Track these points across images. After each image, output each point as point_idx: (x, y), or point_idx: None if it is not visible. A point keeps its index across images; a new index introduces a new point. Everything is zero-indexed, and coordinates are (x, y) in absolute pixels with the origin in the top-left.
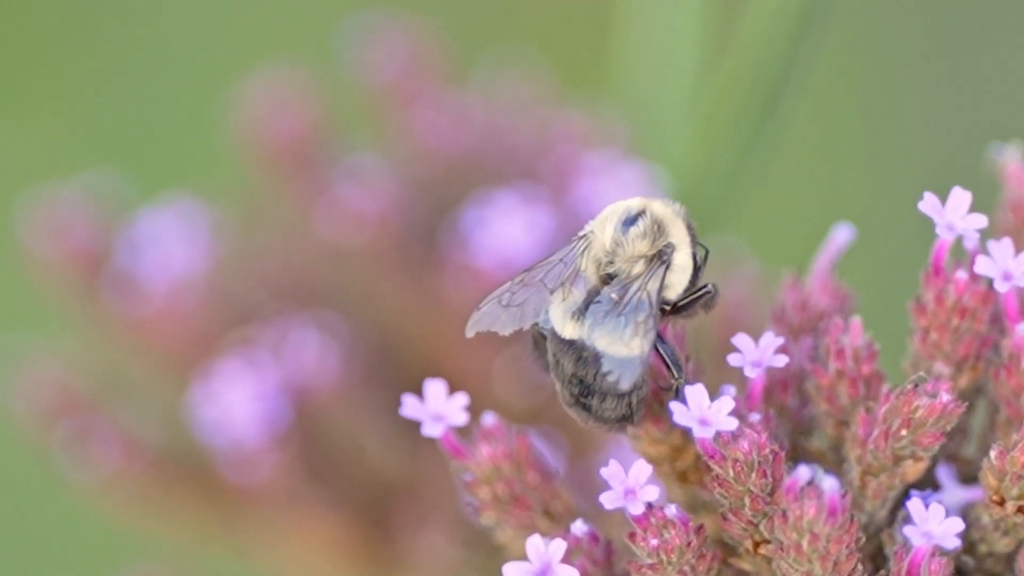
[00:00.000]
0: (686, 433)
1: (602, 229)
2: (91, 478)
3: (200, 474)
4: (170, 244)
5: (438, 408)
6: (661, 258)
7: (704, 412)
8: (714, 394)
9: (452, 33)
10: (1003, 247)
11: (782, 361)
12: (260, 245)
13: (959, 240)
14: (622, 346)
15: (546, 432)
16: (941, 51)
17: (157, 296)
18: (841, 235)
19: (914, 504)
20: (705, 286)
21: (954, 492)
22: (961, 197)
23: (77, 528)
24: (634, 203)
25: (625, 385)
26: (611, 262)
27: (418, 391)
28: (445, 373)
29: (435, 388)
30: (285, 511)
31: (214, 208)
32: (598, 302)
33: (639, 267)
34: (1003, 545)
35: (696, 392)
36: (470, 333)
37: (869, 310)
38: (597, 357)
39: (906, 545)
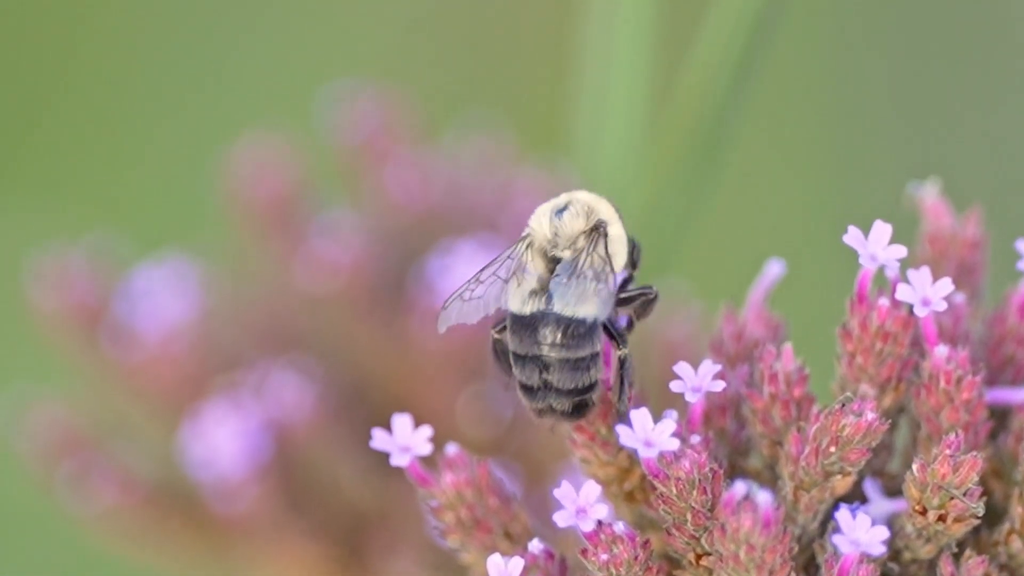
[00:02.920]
0: (632, 456)
1: (539, 224)
2: (91, 512)
3: (190, 507)
4: (163, 296)
5: (405, 440)
6: (598, 229)
7: (648, 434)
8: (657, 419)
9: (422, 99)
10: (922, 275)
11: (720, 386)
12: (245, 296)
13: (881, 270)
14: (590, 295)
15: (505, 464)
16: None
17: (151, 344)
18: (773, 269)
19: (842, 515)
20: (648, 286)
21: (880, 504)
22: (882, 229)
23: (78, 561)
24: (560, 197)
25: (602, 313)
26: (555, 246)
27: (388, 426)
28: (413, 409)
29: (402, 422)
30: (268, 539)
31: (203, 264)
32: (557, 275)
33: (581, 242)
34: (925, 552)
35: (640, 416)
36: (441, 329)
37: (800, 337)
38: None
39: (836, 553)
